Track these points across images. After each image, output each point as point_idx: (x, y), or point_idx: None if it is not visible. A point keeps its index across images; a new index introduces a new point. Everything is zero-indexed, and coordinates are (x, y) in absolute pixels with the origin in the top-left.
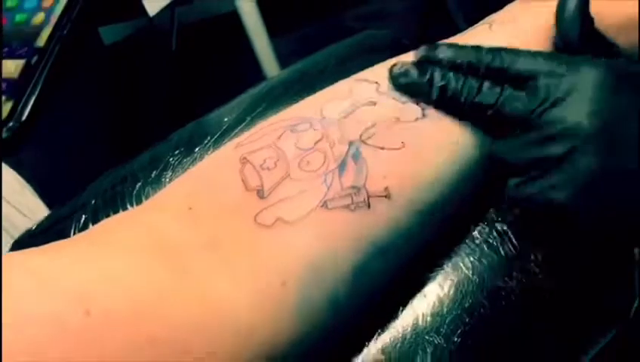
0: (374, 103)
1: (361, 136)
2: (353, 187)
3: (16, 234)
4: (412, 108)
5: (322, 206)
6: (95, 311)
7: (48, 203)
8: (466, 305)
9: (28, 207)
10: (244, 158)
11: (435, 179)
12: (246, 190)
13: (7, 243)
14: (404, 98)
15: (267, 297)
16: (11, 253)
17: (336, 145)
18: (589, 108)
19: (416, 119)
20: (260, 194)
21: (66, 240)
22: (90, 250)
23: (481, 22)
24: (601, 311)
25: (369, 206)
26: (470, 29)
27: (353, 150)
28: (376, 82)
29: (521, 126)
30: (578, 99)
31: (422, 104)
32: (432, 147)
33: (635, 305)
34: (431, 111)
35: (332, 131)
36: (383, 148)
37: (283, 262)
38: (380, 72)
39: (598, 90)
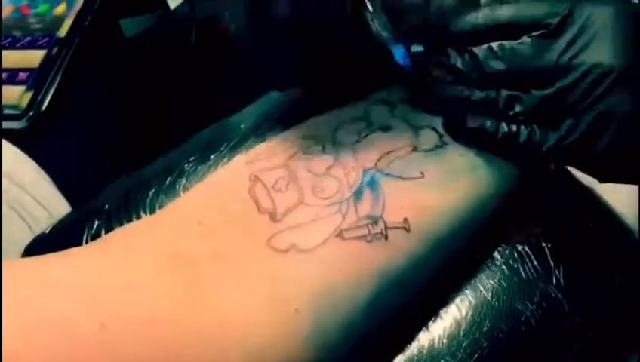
0: (389, 128)
1: (376, 164)
2: (369, 217)
3: (34, 225)
4: (429, 135)
5: (337, 235)
6: (110, 324)
7: (67, 194)
8: (484, 329)
9: (46, 198)
10: (255, 177)
11: (455, 210)
12: (258, 211)
13: (24, 233)
14: (420, 121)
15: (280, 323)
16: (21, 259)
17: (351, 173)
18: (612, 47)
19: (435, 147)
20: (273, 217)
21: (78, 248)
22: (105, 258)
23: None
24: (628, 340)
25: (386, 238)
26: None
27: (368, 178)
28: (391, 104)
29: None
30: (596, 40)
31: (439, 130)
32: (451, 177)
33: None
34: (450, 139)
35: (345, 157)
36: (401, 178)
37: (298, 289)
38: (395, 93)
39: (613, 28)
